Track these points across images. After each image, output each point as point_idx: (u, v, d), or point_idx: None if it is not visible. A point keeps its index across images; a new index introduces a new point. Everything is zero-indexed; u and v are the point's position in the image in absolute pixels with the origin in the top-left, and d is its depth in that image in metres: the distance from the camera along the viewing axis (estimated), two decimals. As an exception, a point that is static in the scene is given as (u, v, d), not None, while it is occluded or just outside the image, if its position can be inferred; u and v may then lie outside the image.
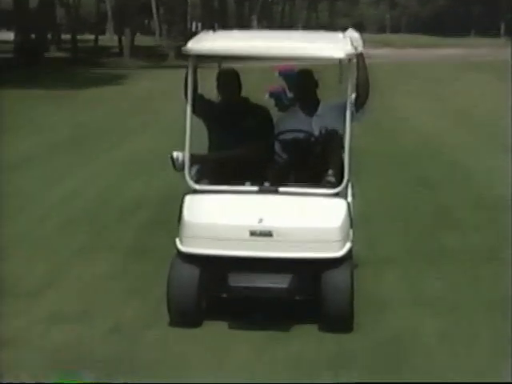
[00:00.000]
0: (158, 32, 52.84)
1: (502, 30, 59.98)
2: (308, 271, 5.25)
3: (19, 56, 30.23)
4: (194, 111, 5.72)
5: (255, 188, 5.47)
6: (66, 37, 42.94)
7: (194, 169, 5.76)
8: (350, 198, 5.77)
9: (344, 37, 5.81)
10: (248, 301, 5.35)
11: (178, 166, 5.59)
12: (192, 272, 5.26)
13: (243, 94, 6.01)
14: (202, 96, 5.99)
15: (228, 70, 6.10)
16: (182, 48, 5.36)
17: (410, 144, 12.83)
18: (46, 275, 6.49)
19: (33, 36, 32.13)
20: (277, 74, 6.26)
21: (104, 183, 10.02)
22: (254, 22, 44.31)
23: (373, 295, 5.88)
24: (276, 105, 6.30)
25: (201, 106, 5.83)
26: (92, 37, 45.75)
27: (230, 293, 5.28)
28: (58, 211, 8.56)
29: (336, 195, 5.42)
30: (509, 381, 4.55)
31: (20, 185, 9.77)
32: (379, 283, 6.22)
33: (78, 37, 38.76)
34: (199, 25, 58.38)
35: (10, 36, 43.78)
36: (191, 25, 56.72)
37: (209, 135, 6.09)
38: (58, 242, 7.39)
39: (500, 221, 8.08)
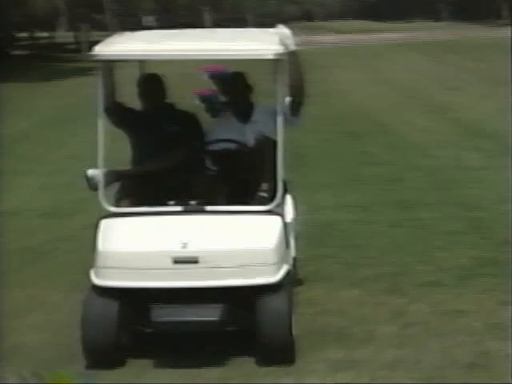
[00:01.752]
0: (110, 27, 55.07)
1: (446, 14, 63.57)
2: (240, 299, 4.83)
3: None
4: (112, 121, 5.45)
5: (179, 208, 5.02)
6: (19, 35, 44.88)
7: (116, 188, 5.40)
8: (289, 214, 5.55)
9: (273, 34, 5.38)
10: (176, 334, 4.96)
11: (92, 185, 5.12)
12: (109, 308, 4.77)
13: (168, 99, 5.66)
14: (120, 104, 5.60)
15: (150, 74, 5.69)
16: (88, 53, 4.94)
17: (344, 108, 15.95)
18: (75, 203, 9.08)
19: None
20: (205, 76, 5.84)
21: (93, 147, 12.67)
22: (206, 15, 46.75)
23: (311, 205, 8.59)
24: (207, 110, 5.91)
25: (119, 115, 5.50)
26: (44, 34, 47.61)
27: (154, 328, 4.83)
28: (65, 165, 11.24)
29: (269, 212, 4.97)
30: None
31: (28, 149, 12.52)
32: (313, 199, 8.97)
33: (25, 34, 40.55)
34: (152, 19, 60.68)
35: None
36: (144, 19, 58.99)
37: (131, 147, 5.67)
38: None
39: (405, 158, 11.04)
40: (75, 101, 18.64)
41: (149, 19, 65.12)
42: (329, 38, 42.57)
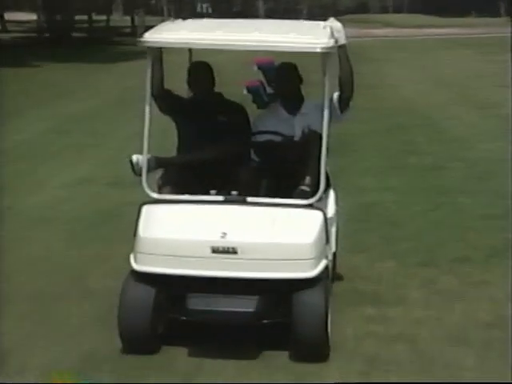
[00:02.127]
0: (166, 12, 56.13)
1: (502, 10, 63.14)
2: (277, 292, 4.87)
3: (50, 35, 33.77)
4: (160, 109, 5.49)
5: (221, 198, 5.08)
6: (77, 18, 46.31)
7: (159, 174, 5.50)
8: (330, 208, 5.59)
9: (324, 27, 5.36)
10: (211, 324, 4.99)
11: (137, 171, 5.25)
12: (147, 293, 4.88)
13: (217, 88, 5.74)
14: (169, 91, 5.66)
15: (200, 62, 5.75)
16: (138, 39, 5.02)
17: (393, 102, 16.50)
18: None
19: (58, 17, 35.56)
20: (255, 67, 5.89)
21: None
22: (260, 3, 47.44)
23: (357, 187, 9.28)
24: (254, 101, 5.93)
25: (168, 103, 5.58)
26: (99, 17, 48.90)
27: (190, 316, 4.88)
28: (130, 142, 12.06)
29: (310, 206, 5.01)
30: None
31: (97, 126, 13.56)
32: (359, 182, 9.65)
33: (84, 17, 41.83)
34: (207, 5, 61.54)
35: (28, 17, 47.26)
36: (199, 6, 59.95)
37: (178, 135, 5.74)
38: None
39: (448, 149, 11.62)
40: (137, 82, 19.54)
41: (204, 6, 66.14)
42: (383, 31, 42.93)
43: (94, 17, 48.58)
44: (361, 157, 11.10)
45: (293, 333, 4.83)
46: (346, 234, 6.74)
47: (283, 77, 5.73)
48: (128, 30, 43.71)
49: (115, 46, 33.34)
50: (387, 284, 6.24)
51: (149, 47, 5.07)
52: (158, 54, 5.44)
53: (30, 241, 7.37)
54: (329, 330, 4.90)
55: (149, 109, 5.08)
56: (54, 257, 6.90)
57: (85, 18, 40.68)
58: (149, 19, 53.46)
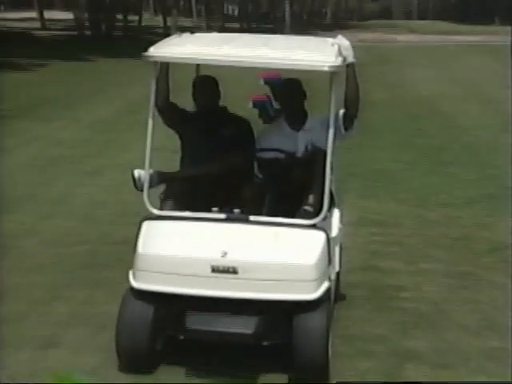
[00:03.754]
0: (195, 13, 59.10)
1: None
2: (277, 313, 4.95)
3: (93, 33, 36.88)
4: (165, 122, 5.66)
5: (223, 215, 5.12)
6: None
7: (161, 189, 5.59)
8: (334, 228, 5.69)
9: (332, 45, 5.41)
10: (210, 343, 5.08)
11: (139, 186, 5.35)
12: (145, 311, 4.95)
13: (222, 103, 5.86)
14: (174, 105, 5.77)
15: (205, 76, 5.88)
16: (142, 53, 5.05)
17: (409, 97, 19.22)
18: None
19: (100, 16, 38.60)
20: (261, 81, 5.97)
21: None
22: (287, 7, 50.10)
23: (372, 158, 11.97)
24: (260, 116, 6.03)
25: (172, 116, 5.70)
26: (131, 17, 51.72)
27: (188, 335, 4.96)
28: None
29: (314, 226, 5.05)
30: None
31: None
32: (375, 155, 12.34)
33: (119, 17, 44.76)
34: (234, 7, 64.27)
35: (61, 15, 50.27)
36: (226, 9, 62.77)
37: (181, 149, 5.88)
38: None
39: (452, 135, 14.31)
40: (181, 76, 22.29)
41: (230, 7, 68.97)
42: (406, 36, 45.43)
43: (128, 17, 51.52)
44: (377, 137, 13.81)
45: (293, 355, 4.90)
46: (358, 189, 9.41)
47: (287, 92, 5.83)
48: (160, 31, 46.60)
49: (152, 44, 36.19)
50: (389, 216, 8.95)
51: (154, 62, 5.17)
52: (165, 67, 5.57)
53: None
54: (329, 353, 4.96)
55: (152, 122, 5.13)
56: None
57: (119, 17, 43.54)
58: (180, 20, 56.67)
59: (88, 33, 38.90)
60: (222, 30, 39.77)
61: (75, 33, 38.90)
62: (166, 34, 44.07)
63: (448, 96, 19.89)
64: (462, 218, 8.88)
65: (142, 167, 5.32)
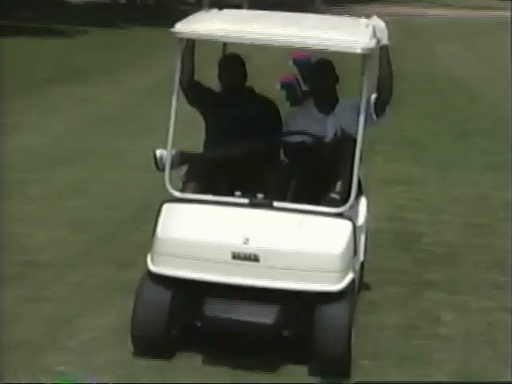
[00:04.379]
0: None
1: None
2: (300, 304, 4.90)
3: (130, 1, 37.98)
4: (188, 100, 5.56)
5: (246, 200, 5.05)
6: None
7: (183, 170, 5.51)
8: (361, 216, 5.63)
9: (366, 26, 5.31)
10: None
11: (160, 166, 5.27)
12: (162, 296, 4.92)
13: (249, 82, 5.79)
14: (199, 83, 5.70)
15: (231, 55, 5.80)
16: (168, 29, 5.02)
17: (438, 72, 20.28)
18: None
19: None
20: (290, 62, 5.89)
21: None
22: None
23: (400, 128, 13.03)
24: (288, 98, 5.94)
25: (197, 95, 5.62)
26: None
27: (205, 322, 4.92)
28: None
29: (340, 215, 4.99)
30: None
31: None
32: (403, 124, 13.41)
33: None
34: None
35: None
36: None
37: (205, 129, 5.80)
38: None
39: (477, 109, 15.40)
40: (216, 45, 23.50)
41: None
42: (438, 11, 45.80)
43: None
44: (406, 108, 14.84)
45: (313, 347, 4.85)
46: (387, 152, 10.59)
47: (318, 74, 5.72)
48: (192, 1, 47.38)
49: (185, 13, 37.17)
50: (414, 176, 10.09)
51: (180, 39, 5.09)
52: (191, 44, 5.49)
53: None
54: (352, 345, 4.91)
55: (176, 100, 5.06)
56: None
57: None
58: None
59: (123, 1, 39.88)
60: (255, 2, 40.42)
61: (109, 1, 39.94)
62: (198, 2, 45.06)
63: (477, 72, 20.80)
64: (481, 181, 9.96)
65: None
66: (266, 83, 6.30)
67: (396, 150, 11.37)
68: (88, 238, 7.28)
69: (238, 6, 35.14)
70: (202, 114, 5.83)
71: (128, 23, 29.39)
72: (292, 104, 5.98)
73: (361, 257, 5.74)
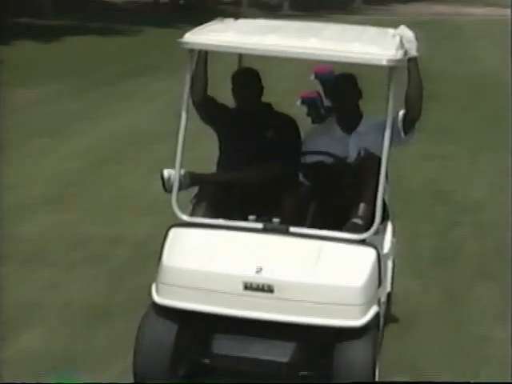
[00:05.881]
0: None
1: None
2: (318, 340, 4.72)
3: (170, 2, 40.28)
4: (201, 117, 5.44)
5: (260, 225, 4.87)
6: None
7: (194, 192, 5.37)
8: (386, 243, 5.46)
9: (393, 36, 5.10)
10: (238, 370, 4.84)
11: (168, 187, 5.11)
12: (167, 330, 4.75)
13: (265, 98, 5.61)
14: (212, 99, 5.53)
15: (245, 69, 5.68)
16: (177, 40, 4.82)
17: (477, 70, 22.35)
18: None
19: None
20: (312, 76, 5.79)
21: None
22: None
23: (438, 119, 14.96)
24: (309, 114, 5.80)
25: (210, 112, 5.48)
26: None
27: (214, 360, 4.75)
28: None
29: (363, 242, 4.78)
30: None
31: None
32: (441, 116, 15.35)
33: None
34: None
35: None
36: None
37: (219, 148, 5.66)
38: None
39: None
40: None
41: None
42: (482, 10, 47.04)
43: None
44: (444, 103, 16.59)
45: None
46: (425, 138, 12.77)
47: (340, 89, 5.62)
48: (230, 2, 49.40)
49: (223, 13, 39.09)
50: (449, 154, 12.34)
51: (190, 50, 4.91)
52: (203, 56, 5.31)
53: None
54: None
55: (185, 117, 4.92)
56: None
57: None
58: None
59: (165, 0, 42.09)
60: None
61: (150, 0, 42.14)
62: (236, 2, 47.02)
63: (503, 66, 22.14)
64: (510, 160, 12.13)
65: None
66: (285, 99, 6.28)
67: (434, 136, 13.10)
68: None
69: (277, 7, 37.12)
70: (216, 131, 5.73)
71: (178, 23, 31.72)
72: (313, 121, 5.88)
73: (387, 287, 5.58)
